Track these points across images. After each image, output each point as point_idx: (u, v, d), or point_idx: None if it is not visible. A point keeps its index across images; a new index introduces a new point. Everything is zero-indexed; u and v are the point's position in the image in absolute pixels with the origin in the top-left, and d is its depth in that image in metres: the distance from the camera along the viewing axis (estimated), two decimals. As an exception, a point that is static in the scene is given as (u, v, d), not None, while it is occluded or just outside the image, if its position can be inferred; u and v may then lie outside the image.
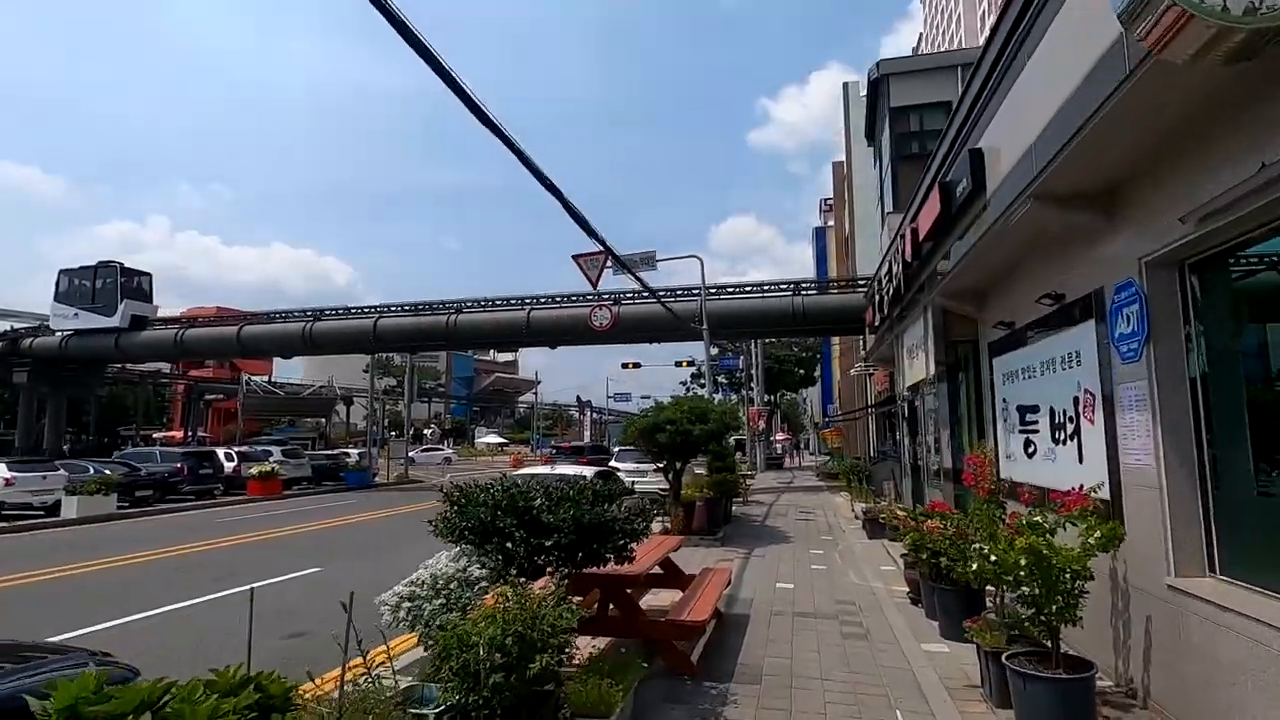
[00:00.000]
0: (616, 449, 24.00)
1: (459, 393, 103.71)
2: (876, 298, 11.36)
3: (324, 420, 48.34)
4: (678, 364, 37.78)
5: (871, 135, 24.35)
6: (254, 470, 24.38)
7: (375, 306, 28.33)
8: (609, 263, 20.01)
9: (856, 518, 15.22)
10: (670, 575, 6.86)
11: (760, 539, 12.22)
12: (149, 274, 34.51)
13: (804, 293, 24.37)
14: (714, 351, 46.34)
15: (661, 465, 12.67)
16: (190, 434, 56.36)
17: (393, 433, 44.30)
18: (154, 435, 56.47)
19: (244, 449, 27.73)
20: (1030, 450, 6.47)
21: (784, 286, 24.56)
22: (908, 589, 7.65)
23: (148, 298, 33.98)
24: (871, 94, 19.45)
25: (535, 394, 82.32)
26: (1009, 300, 7.00)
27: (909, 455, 10.79)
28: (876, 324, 11.81)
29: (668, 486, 17.34)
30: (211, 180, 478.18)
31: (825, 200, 66.93)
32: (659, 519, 12.71)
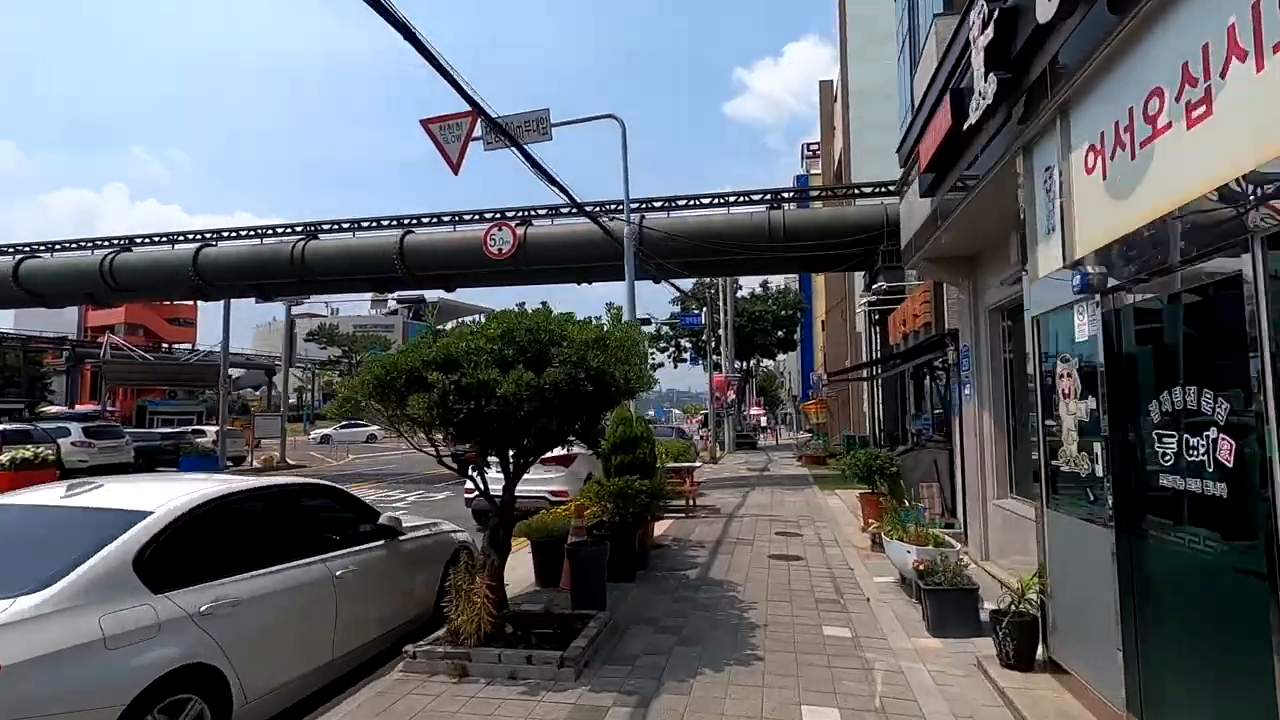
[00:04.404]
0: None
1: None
2: (976, 66, 4.35)
3: (209, 391, 40.87)
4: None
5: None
6: (4, 458, 16.97)
7: (201, 232, 20.62)
8: (480, 130, 12.83)
9: (876, 549, 8.46)
10: None
11: (683, 641, 5.26)
12: None
13: (784, 204, 17.17)
14: (675, 309, 39.23)
15: (471, 459, 5.58)
16: (70, 405, 48.68)
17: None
18: (44, 409, 48.65)
19: (14, 427, 20.19)
20: None
21: (757, 197, 17.35)
22: None
23: None
24: None
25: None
26: None
27: (1110, 454, 3.69)
28: (976, 122, 4.76)
29: (556, 496, 10.71)
30: (169, 146, 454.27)
31: (808, 145, 59.63)
32: (475, 577, 5.42)
